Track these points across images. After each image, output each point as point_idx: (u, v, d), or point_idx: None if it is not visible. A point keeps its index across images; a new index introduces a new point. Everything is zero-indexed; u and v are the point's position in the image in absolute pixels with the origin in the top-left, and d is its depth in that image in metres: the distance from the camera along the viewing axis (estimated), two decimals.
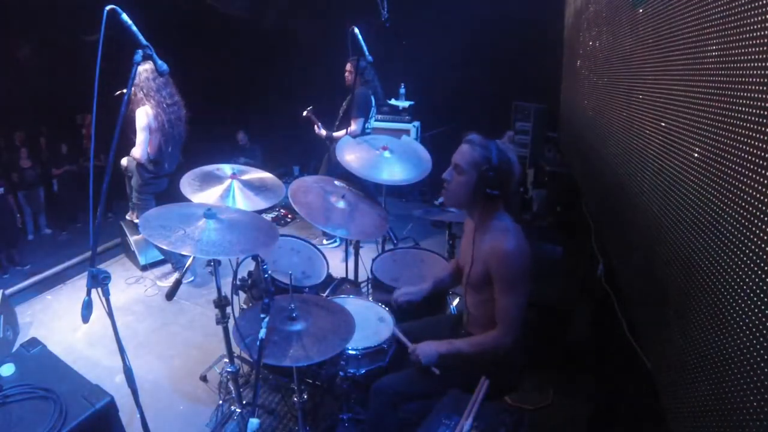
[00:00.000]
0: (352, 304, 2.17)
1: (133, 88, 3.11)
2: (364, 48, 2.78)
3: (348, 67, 4.04)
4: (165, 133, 3.29)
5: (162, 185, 3.56)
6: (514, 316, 1.72)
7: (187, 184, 2.33)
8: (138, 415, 1.65)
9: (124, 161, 3.56)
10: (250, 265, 2.44)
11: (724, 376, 0.92)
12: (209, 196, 2.29)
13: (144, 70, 3.11)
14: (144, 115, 3.19)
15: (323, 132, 4.06)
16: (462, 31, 5.01)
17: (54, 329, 3.27)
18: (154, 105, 3.20)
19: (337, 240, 4.38)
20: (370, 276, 2.72)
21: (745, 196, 0.87)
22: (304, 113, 4.02)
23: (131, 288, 3.79)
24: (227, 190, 2.35)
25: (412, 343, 1.89)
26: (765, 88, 0.81)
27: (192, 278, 3.83)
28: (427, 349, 1.79)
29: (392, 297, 2.13)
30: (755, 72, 0.84)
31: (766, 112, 0.81)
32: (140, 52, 1.40)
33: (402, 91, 5.32)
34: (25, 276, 4.07)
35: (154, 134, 3.28)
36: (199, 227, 1.77)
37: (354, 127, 3.81)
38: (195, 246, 1.69)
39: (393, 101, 5.23)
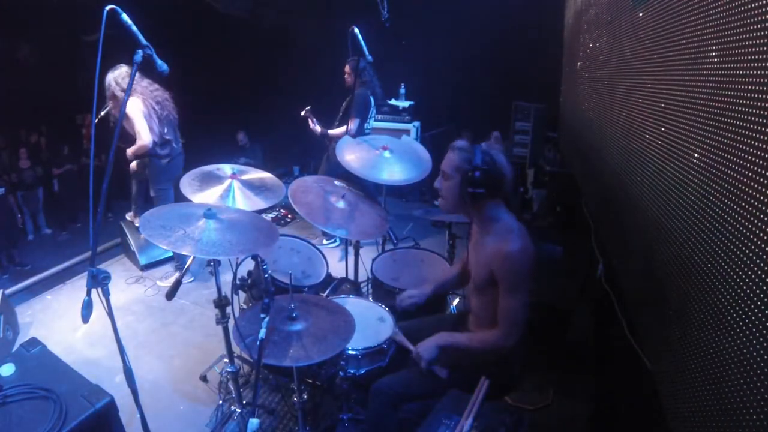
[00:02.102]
0: (352, 304, 2.18)
1: (116, 93, 3.17)
2: (364, 48, 2.78)
3: (347, 68, 4.04)
4: (158, 114, 3.36)
5: (178, 168, 3.57)
6: (517, 317, 1.71)
7: (187, 184, 2.34)
8: (138, 415, 1.65)
9: (133, 165, 3.58)
10: (250, 265, 2.44)
11: (724, 376, 0.92)
12: (209, 196, 2.30)
13: (116, 75, 3.21)
14: (135, 106, 3.25)
15: (318, 128, 4.04)
16: (462, 31, 5.02)
17: (54, 329, 3.27)
18: (137, 93, 3.27)
19: (337, 240, 4.38)
20: (370, 276, 2.72)
21: (745, 196, 0.87)
22: (302, 113, 4.02)
23: (131, 288, 3.79)
24: (227, 190, 2.36)
25: (414, 344, 1.89)
26: (765, 88, 0.81)
27: (192, 278, 3.83)
28: (426, 345, 1.79)
29: (396, 301, 2.13)
30: (755, 72, 0.84)
31: (766, 113, 0.81)
32: (140, 52, 1.41)
33: (402, 91, 5.31)
34: (25, 276, 4.06)
35: (148, 120, 3.33)
36: (199, 227, 1.77)
37: (351, 126, 3.81)
38: (195, 246, 1.69)
39: (393, 101, 5.23)
